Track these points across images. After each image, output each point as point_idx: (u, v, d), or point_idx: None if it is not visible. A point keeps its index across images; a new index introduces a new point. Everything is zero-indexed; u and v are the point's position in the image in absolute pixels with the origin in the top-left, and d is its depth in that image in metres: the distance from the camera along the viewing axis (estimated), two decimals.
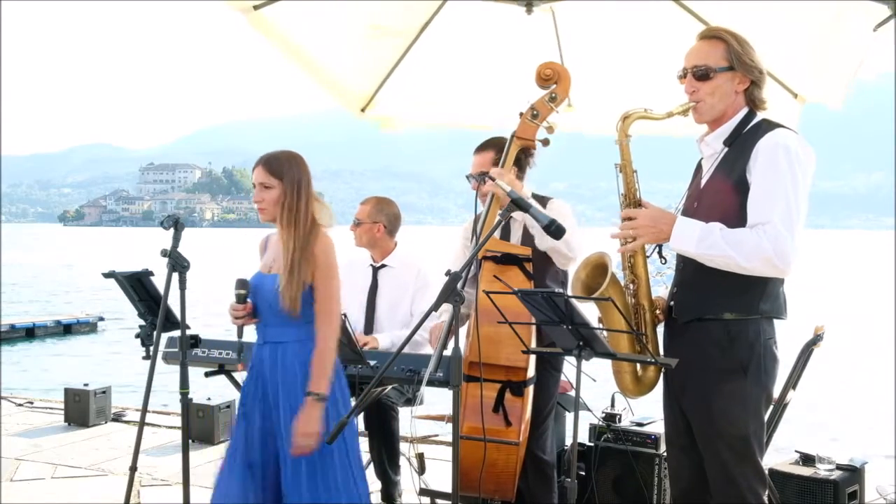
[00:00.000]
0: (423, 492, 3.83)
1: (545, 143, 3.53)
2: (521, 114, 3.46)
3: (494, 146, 3.62)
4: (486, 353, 3.20)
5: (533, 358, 3.33)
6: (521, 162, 3.58)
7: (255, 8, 3.96)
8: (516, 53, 4.30)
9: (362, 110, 4.72)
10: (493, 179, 3.31)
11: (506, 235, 3.59)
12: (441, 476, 4.43)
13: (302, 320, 2.96)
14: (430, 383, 3.33)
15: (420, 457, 3.90)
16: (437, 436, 5.89)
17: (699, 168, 2.91)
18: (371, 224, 4.29)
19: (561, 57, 4.46)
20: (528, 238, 3.52)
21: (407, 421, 4.02)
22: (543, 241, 3.40)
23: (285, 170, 3.02)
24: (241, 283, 3.01)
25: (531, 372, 3.33)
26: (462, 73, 4.62)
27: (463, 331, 3.32)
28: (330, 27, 4.22)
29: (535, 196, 3.57)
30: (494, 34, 4.33)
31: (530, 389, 3.34)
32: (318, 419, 2.87)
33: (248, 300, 3.03)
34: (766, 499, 2.69)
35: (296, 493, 2.91)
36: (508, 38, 4.31)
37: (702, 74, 2.71)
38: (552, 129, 3.50)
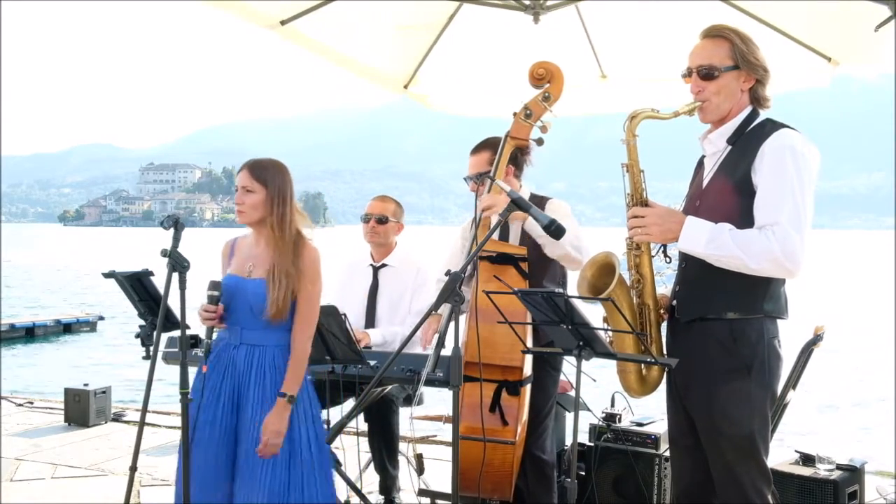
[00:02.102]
0: (423, 492, 3.83)
1: (539, 142, 3.52)
2: (515, 113, 3.46)
3: (490, 147, 3.62)
4: (482, 353, 3.19)
5: (529, 357, 3.32)
6: (518, 160, 3.59)
7: (283, 23, 4.05)
8: (545, 51, 4.31)
9: (405, 87, 4.84)
10: (492, 179, 3.31)
11: (504, 236, 3.59)
12: (440, 476, 4.43)
13: (284, 326, 2.99)
14: (430, 383, 3.32)
15: (419, 457, 3.90)
16: (435, 436, 5.89)
17: (700, 165, 2.90)
18: (396, 223, 4.32)
19: (595, 55, 4.51)
20: (525, 237, 3.51)
21: (406, 421, 4.03)
22: (554, 250, 3.39)
23: (269, 177, 3.03)
24: (214, 285, 2.99)
25: (528, 371, 3.32)
26: (490, 66, 4.70)
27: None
28: (359, 28, 4.37)
29: (533, 196, 3.57)
30: (524, 32, 4.32)
31: (527, 389, 3.33)
32: (286, 419, 2.93)
33: (220, 302, 3.00)
34: (769, 498, 2.69)
35: (252, 493, 2.90)
36: (540, 35, 4.31)
37: (707, 74, 2.70)
38: (546, 128, 3.49)
